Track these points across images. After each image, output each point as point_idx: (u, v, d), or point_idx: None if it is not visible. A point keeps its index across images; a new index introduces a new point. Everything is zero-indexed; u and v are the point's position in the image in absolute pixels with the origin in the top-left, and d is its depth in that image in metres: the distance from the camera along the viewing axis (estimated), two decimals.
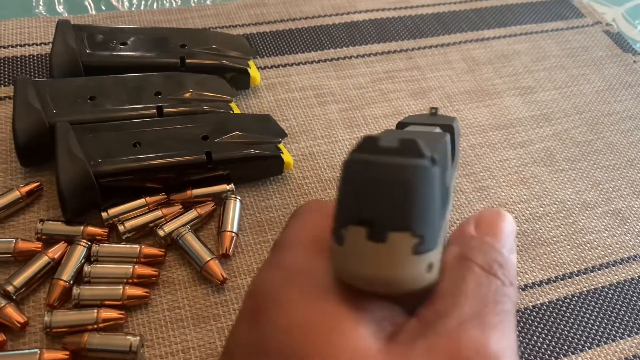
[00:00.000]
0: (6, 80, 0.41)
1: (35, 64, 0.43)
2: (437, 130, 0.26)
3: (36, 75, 0.42)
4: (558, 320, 0.33)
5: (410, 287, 0.18)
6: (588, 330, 0.33)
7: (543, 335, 0.32)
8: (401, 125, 0.27)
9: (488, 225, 0.21)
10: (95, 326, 0.29)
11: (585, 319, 0.33)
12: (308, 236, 0.21)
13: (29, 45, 0.44)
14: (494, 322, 0.18)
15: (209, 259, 0.32)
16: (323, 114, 0.42)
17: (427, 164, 0.17)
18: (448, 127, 0.27)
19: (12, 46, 0.44)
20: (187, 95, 0.38)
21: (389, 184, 0.17)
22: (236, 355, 0.19)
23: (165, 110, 0.37)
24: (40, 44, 0.45)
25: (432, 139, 0.22)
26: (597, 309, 0.34)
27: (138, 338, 0.29)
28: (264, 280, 0.20)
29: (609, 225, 0.38)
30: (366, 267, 0.18)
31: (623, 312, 0.34)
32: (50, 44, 0.44)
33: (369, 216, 0.17)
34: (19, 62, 0.43)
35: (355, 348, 0.17)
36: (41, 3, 0.50)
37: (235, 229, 0.34)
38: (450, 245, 0.21)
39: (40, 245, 0.32)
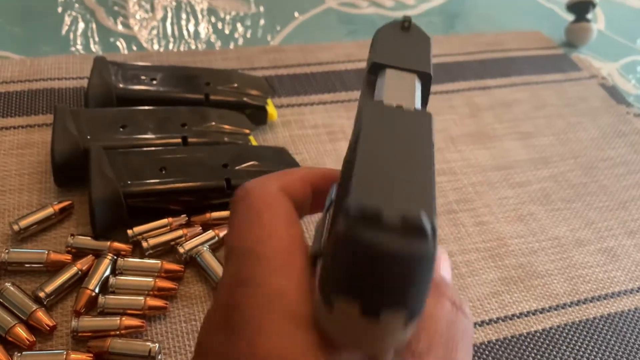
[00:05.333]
0: (45, 109, 0.45)
1: (71, 96, 0.47)
2: (417, 86, 0.24)
3: (71, 105, 0.46)
4: (550, 348, 0.35)
5: (392, 348, 0.18)
6: (579, 358, 0.35)
7: None
8: (375, 66, 0.24)
9: (438, 260, 0.22)
10: (118, 332, 0.31)
11: (577, 348, 0.35)
12: (274, 249, 0.20)
13: (65, 79, 0.48)
14: None
15: None
16: (334, 150, 0.46)
17: (430, 249, 0.16)
18: (426, 75, 0.24)
19: (51, 79, 0.48)
20: (210, 127, 0.42)
21: (390, 268, 0.16)
22: None
23: (189, 139, 0.40)
24: (76, 78, 0.49)
25: (418, 152, 0.19)
26: (588, 338, 0.36)
27: (157, 345, 0.31)
28: (235, 294, 0.19)
29: (601, 262, 0.41)
30: (355, 338, 0.17)
31: (612, 343, 0.36)
32: (85, 79, 0.48)
33: (364, 293, 0.17)
34: (56, 94, 0.47)
35: None
36: (78, 42, 0.55)
37: None
38: None
39: (70, 257, 0.35)
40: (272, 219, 0.20)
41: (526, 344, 0.35)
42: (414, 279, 0.17)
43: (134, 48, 0.55)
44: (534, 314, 0.37)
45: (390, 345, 0.18)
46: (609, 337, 0.36)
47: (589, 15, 0.62)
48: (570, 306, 0.38)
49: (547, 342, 0.35)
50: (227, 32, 0.59)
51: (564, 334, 0.36)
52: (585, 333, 0.36)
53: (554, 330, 0.36)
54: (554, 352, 0.35)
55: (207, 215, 0.38)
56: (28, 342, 0.30)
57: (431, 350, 0.19)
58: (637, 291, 0.39)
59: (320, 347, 0.18)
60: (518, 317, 0.36)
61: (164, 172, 0.37)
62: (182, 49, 0.56)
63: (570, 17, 0.64)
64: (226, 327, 0.19)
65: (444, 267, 0.23)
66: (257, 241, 0.20)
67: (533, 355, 0.35)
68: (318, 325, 0.18)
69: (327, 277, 0.18)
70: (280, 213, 0.21)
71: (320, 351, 0.18)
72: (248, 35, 0.59)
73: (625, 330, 0.37)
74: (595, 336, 0.36)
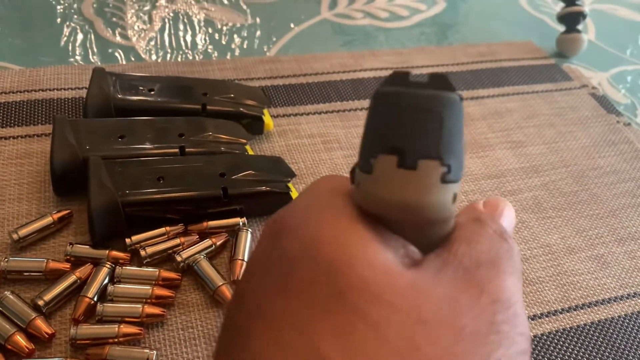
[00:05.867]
0: (44, 119, 0.46)
1: (70, 106, 0.47)
2: None
3: (70, 115, 0.47)
4: (542, 354, 0.36)
5: (436, 214, 0.19)
6: None
7: None
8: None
9: (494, 207, 0.23)
10: (116, 340, 0.32)
11: (568, 354, 0.36)
12: (325, 185, 0.21)
13: (64, 89, 0.49)
14: (508, 270, 0.19)
15: (221, 284, 0.35)
16: (329, 159, 0.46)
17: (457, 97, 0.18)
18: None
19: (50, 90, 0.49)
20: (207, 137, 0.42)
21: (422, 114, 0.18)
22: (257, 271, 0.19)
23: (187, 149, 0.41)
24: (75, 88, 0.49)
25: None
26: (579, 344, 0.37)
27: (155, 352, 0.32)
28: (285, 210, 0.20)
29: (592, 269, 0.41)
30: (397, 192, 0.18)
31: (603, 349, 0.36)
32: (84, 89, 0.49)
33: (400, 145, 0.18)
34: (55, 104, 0.47)
35: (385, 265, 0.18)
36: (77, 53, 0.55)
37: (246, 258, 0.37)
38: (462, 213, 0.23)
39: (68, 266, 0.35)
40: (334, 179, 0.22)
41: None
42: (443, 126, 0.18)
43: (132, 59, 0.56)
44: None
45: (432, 202, 0.18)
46: (599, 343, 0.37)
47: (580, 26, 0.63)
48: (561, 313, 0.38)
49: (539, 348, 0.36)
50: (224, 42, 0.60)
51: (555, 340, 0.36)
52: (576, 339, 0.37)
53: (545, 337, 0.37)
54: (545, 359, 0.35)
55: (204, 224, 0.38)
56: (27, 350, 0.31)
57: (472, 254, 0.19)
58: (627, 298, 0.40)
59: (369, 234, 0.19)
60: None
61: (161, 181, 0.38)
62: (179, 59, 0.56)
63: (561, 28, 0.65)
64: (271, 237, 0.20)
65: (505, 217, 0.23)
66: (313, 184, 0.22)
67: None
68: (362, 201, 0.19)
69: (364, 144, 0.19)
70: (343, 180, 0.22)
71: (370, 236, 0.19)
72: (245, 46, 0.60)
73: (615, 336, 0.37)
74: (586, 342, 0.37)
